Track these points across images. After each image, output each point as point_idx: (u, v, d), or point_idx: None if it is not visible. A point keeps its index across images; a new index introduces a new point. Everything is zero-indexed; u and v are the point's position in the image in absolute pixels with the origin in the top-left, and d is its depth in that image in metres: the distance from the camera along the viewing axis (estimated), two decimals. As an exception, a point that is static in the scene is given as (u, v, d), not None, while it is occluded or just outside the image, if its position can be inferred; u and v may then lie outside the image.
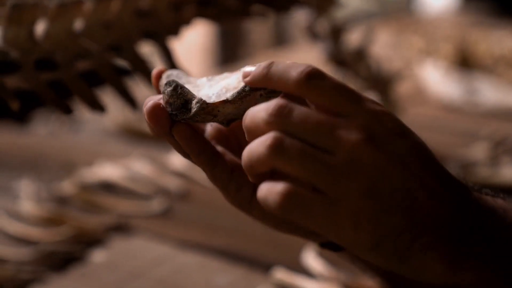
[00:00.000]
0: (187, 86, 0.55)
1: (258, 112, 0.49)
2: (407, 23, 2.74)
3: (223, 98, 0.52)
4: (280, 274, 0.88)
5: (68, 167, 1.23)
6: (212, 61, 3.35)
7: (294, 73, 0.48)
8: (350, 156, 0.47)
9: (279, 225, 0.57)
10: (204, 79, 0.57)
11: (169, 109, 0.53)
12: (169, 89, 0.53)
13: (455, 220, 0.48)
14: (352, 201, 0.47)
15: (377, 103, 0.49)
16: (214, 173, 0.55)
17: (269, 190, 0.48)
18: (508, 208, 0.51)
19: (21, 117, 1.53)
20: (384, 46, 2.24)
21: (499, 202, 0.52)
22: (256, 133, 0.49)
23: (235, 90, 0.52)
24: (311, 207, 0.47)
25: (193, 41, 3.22)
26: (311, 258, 0.91)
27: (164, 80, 0.56)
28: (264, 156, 0.47)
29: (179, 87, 0.53)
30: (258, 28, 3.45)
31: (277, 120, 0.47)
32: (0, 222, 1.04)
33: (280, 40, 3.56)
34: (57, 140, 1.45)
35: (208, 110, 0.52)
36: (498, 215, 0.50)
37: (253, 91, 0.52)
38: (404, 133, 0.49)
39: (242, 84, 0.52)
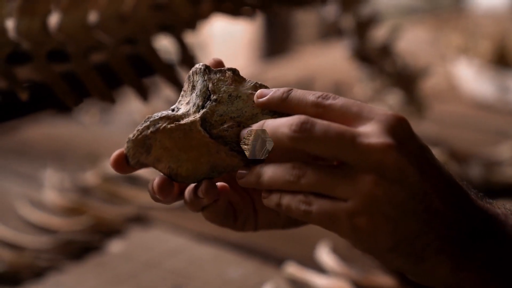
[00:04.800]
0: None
1: (280, 127, 0.50)
2: (448, 19, 2.71)
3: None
4: (292, 269, 0.88)
5: (93, 158, 1.25)
6: (258, 54, 3.34)
7: (312, 97, 0.51)
8: (374, 162, 0.48)
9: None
10: None
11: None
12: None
13: (462, 225, 0.50)
14: (374, 207, 0.48)
15: (386, 110, 0.51)
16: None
17: (298, 206, 0.51)
18: (508, 213, 0.52)
19: (67, 108, 1.54)
20: (421, 42, 2.22)
21: (499, 208, 0.53)
22: (278, 146, 0.51)
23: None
24: (335, 217, 0.49)
25: (240, 34, 3.22)
26: (324, 254, 0.91)
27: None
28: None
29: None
30: (305, 23, 3.43)
31: (301, 135, 0.49)
32: (23, 210, 1.06)
33: (327, 34, 3.53)
34: (86, 131, 1.47)
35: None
36: (500, 220, 0.52)
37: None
38: (414, 135, 0.51)
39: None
